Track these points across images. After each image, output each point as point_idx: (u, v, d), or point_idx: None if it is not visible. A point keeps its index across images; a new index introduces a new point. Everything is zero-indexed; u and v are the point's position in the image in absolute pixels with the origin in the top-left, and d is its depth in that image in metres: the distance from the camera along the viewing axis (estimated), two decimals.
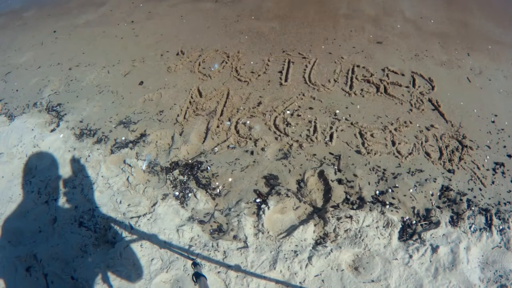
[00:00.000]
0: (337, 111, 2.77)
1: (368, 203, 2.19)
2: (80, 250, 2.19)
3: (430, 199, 2.21)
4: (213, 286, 1.95)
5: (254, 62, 3.39)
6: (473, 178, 2.31)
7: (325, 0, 4.25)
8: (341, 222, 2.10)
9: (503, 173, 2.34)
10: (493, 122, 2.68)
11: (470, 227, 2.06)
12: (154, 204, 2.34)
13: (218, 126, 2.78)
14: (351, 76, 3.10)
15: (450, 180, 2.30)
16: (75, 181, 2.55)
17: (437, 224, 2.08)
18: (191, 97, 3.09)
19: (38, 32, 4.50)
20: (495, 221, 2.08)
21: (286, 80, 3.12)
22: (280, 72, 3.23)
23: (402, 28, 3.74)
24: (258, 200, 2.28)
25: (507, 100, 2.88)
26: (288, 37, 3.69)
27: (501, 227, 2.06)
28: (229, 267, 1.99)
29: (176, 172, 2.49)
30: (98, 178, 2.54)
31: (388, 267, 1.93)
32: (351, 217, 2.11)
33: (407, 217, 2.14)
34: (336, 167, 2.40)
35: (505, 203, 2.18)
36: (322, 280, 1.93)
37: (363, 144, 2.54)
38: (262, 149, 2.57)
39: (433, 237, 2.02)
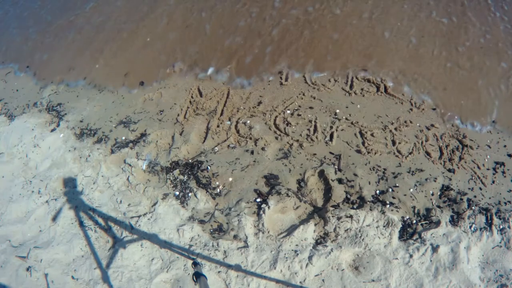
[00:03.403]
0: (337, 111, 2.77)
1: (368, 202, 2.19)
2: (80, 250, 2.20)
3: (431, 199, 2.21)
4: (214, 285, 1.95)
5: None
6: (473, 177, 2.31)
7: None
8: (342, 222, 2.10)
9: (503, 172, 2.34)
10: (493, 121, 2.67)
11: (470, 227, 2.06)
12: (155, 204, 2.34)
13: (218, 126, 2.78)
14: (351, 76, 3.09)
15: (450, 179, 2.30)
16: (75, 181, 2.56)
17: (438, 223, 2.08)
18: (191, 96, 3.09)
19: None
20: (496, 220, 2.08)
21: (286, 80, 3.12)
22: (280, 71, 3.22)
23: None
24: (258, 200, 2.28)
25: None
26: None
27: (501, 227, 2.06)
28: (229, 266, 1.99)
29: (176, 171, 2.49)
30: (99, 178, 2.54)
31: (389, 266, 1.93)
32: (351, 216, 2.11)
33: (407, 217, 2.14)
34: (336, 167, 2.40)
35: (505, 203, 2.18)
36: (323, 280, 1.93)
37: (363, 143, 2.54)
38: (263, 148, 2.57)
39: (434, 237, 2.02)
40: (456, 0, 3.50)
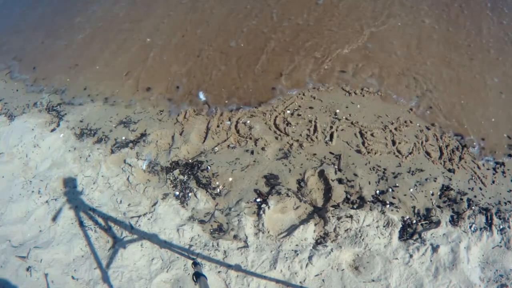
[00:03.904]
0: (337, 111, 2.77)
1: (368, 202, 2.19)
2: (80, 250, 2.20)
3: (431, 199, 2.21)
4: (214, 285, 1.95)
5: None
6: (473, 177, 2.31)
7: None
8: (342, 222, 2.10)
9: (503, 172, 2.34)
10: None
11: (470, 227, 2.06)
12: (155, 204, 2.34)
13: (218, 126, 2.78)
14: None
15: (450, 179, 2.30)
16: (75, 181, 2.55)
17: (438, 223, 2.08)
18: None
19: None
20: (496, 220, 2.08)
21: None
22: None
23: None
24: (258, 200, 2.28)
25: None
26: None
27: (501, 227, 2.06)
28: (229, 266, 1.99)
29: (176, 171, 2.49)
30: (99, 178, 2.54)
31: (389, 266, 1.93)
32: (351, 216, 2.11)
33: (407, 217, 2.14)
34: (336, 167, 2.40)
35: (505, 203, 2.18)
36: (323, 280, 1.93)
37: (363, 143, 2.54)
38: (263, 148, 2.57)
39: (434, 237, 2.02)
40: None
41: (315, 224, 2.14)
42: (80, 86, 3.43)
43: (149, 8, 4.29)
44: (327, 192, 2.30)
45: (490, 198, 2.21)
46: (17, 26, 4.77)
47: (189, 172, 2.49)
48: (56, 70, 3.70)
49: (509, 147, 2.48)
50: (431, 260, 1.94)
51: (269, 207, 2.20)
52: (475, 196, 2.21)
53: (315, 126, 2.68)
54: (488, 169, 2.36)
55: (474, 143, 2.51)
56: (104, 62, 3.67)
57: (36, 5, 5.04)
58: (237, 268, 1.98)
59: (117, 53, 3.76)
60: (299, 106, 2.85)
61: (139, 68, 3.51)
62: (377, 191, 2.26)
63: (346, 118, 2.71)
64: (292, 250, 2.03)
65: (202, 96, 3.06)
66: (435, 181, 2.27)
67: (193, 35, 3.75)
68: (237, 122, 2.79)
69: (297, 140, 2.59)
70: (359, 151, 2.49)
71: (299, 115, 2.77)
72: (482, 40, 3.27)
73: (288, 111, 2.81)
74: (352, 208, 2.18)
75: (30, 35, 4.47)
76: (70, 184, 2.55)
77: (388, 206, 2.17)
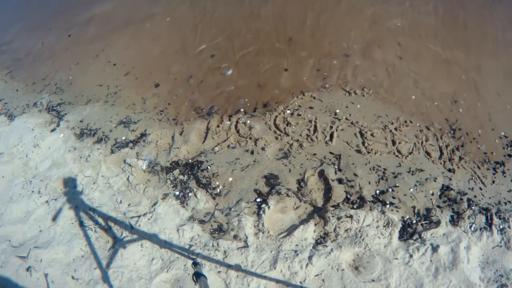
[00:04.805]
0: (337, 111, 2.77)
1: (368, 202, 2.19)
2: (80, 250, 2.20)
3: (431, 199, 2.21)
4: (214, 285, 1.95)
5: None
6: (473, 177, 2.31)
7: None
8: (342, 222, 2.10)
9: (503, 172, 2.34)
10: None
11: (470, 227, 2.06)
12: (155, 204, 2.34)
13: (218, 126, 2.78)
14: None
15: (450, 179, 2.30)
16: (75, 181, 2.56)
17: (438, 223, 2.08)
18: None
19: None
20: (496, 220, 2.08)
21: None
22: None
23: None
24: (258, 200, 2.28)
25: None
26: None
27: (501, 227, 2.06)
28: (229, 266, 1.99)
29: (176, 171, 2.49)
30: (99, 178, 2.54)
31: (389, 266, 1.93)
32: (351, 216, 2.11)
33: (407, 217, 2.14)
34: (336, 167, 2.40)
35: (505, 203, 2.18)
36: (323, 280, 1.93)
37: (363, 143, 2.54)
38: (263, 148, 2.57)
39: (434, 237, 2.02)
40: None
41: (315, 224, 2.14)
42: (81, 85, 3.43)
43: (151, 6, 4.29)
44: (327, 192, 2.30)
45: (490, 198, 2.20)
46: (17, 26, 4.77)
47: (189, 172, 2.49)
48: (56, 70, 3.70)
49: (507, 146, 2.48)
50: (431, 260, 1.94)
51: (269, 207, 2.20)
52: (475, 196, 2.21)
53: (315, 126, 2.67)
54: (488, 169, 2.36)
55: (473, 142, 2.51)
56: (104, 61, 3.67)
57: (36, 6, 5.04)
58: (237, 268, 1.98)
59: (117, 53, 3.76)
60: (299, 106, 2.85)
61: (139, 67, 3.51)
62: (377, 191, 2.26)
63: (346, 118, 2.71)
64: (292, 250, 2.03)
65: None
66: (435, 181, 2.27)
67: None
68: (237, 122, 2.79)
69: (297, 140, 2.59)
70: (359, 151, 2.49)
71: (299, 115, 2.77)
72: (481, 37, 3.27)
73: (288, 111, 2.81)
74: (352, 208, 2.18)
75: (30, 35, 4.47)
76: (70, 184, 2.55)
77: (388, 206, 2.17)
